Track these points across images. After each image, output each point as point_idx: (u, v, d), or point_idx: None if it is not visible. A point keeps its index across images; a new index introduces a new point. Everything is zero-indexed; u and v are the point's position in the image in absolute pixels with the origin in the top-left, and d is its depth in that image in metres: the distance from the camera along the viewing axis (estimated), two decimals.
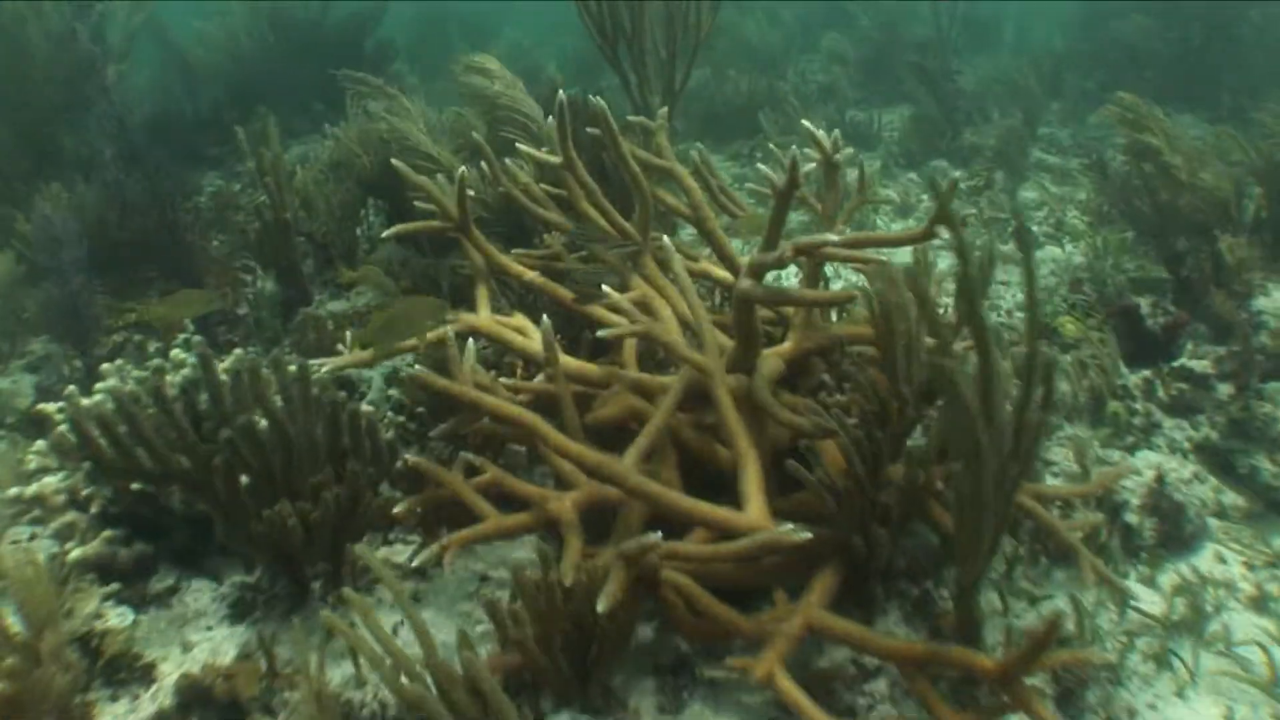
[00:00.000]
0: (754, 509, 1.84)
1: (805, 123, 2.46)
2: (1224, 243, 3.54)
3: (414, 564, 1.83)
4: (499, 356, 2.49)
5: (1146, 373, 3.48)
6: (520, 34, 10.62)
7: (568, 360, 2.18)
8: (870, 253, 2.23)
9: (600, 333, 2.01)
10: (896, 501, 1.86)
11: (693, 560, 1.72)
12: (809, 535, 1.62)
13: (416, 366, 1.94)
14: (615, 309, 2.19)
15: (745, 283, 2.09)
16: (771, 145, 2.81)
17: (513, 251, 2.65)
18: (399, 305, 1.97)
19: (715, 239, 2.47)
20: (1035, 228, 5.04)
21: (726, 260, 2.50)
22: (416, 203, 2.48)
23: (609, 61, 3.72)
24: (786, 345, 2.51)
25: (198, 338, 3.39)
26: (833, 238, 1.79)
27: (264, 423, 1.94)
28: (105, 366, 2.66)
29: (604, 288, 2.09)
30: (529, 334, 2.31)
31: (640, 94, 3.71)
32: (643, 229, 2.46)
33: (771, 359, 2.29)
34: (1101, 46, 8.09)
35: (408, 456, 1.97)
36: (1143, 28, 7.71)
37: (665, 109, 2.70)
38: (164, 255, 3.47)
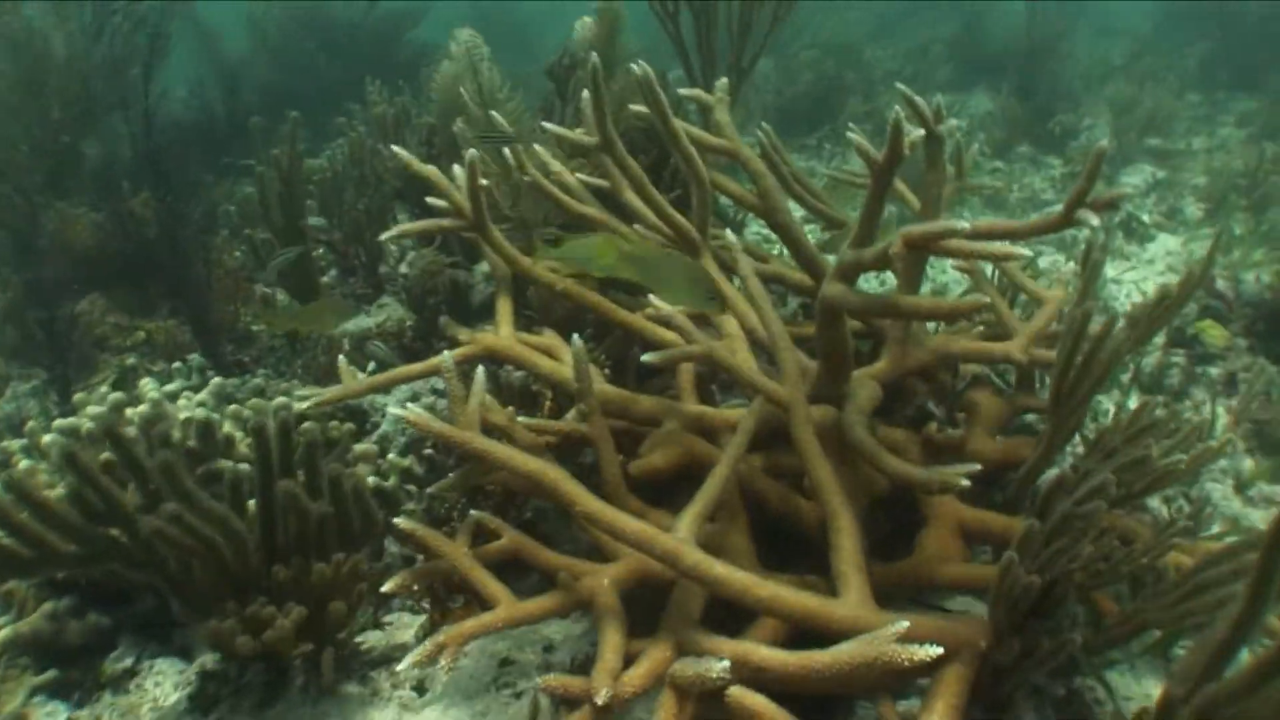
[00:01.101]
0: (853, 595, 1.36)
1: (900, 85, 1.97)
2: None
3: (402, 668, 1.39)
4: (529, 383, 2.05)
5: None
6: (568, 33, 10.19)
7: (607, 390, 1.72)
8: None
9: (646, 357, 1.55)
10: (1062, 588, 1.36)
11: (773, 674, 1.25)
12: (938, 652, 1.14)
13: (409, 406, 1.50)
14: (668, 323, 1.73)
15: (834, 287, 1.61)
16: (850, 130, 2.32)
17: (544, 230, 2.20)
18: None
19: (791, 234, 1.99)
20: (1145, 216, 4.45)
21: (806, 260, 2.02)
22: (427, 199, 2.05)
23: (670, 36, 3.23)
24: (881, 364, 2.01)
25: (194, 357, 3.03)
26: (962, 225, 1.30)
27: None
28: (79, 397, 2.29)
29: (652, 298, 1.63)
30: (560, 355, 1.86)
31: (704, 76, 3.22)
32: (701, 224, 1.99)
33: (868, 384, 1.80)
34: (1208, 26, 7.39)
35: (400, 519, 1.53)
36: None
37: (724, 80, 2.23)
38: (168, 271, 3.12)
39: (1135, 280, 3.83)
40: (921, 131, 1.81)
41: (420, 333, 2.77)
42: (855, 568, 1.40)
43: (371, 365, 2.40)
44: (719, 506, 1.57)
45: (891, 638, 1.22)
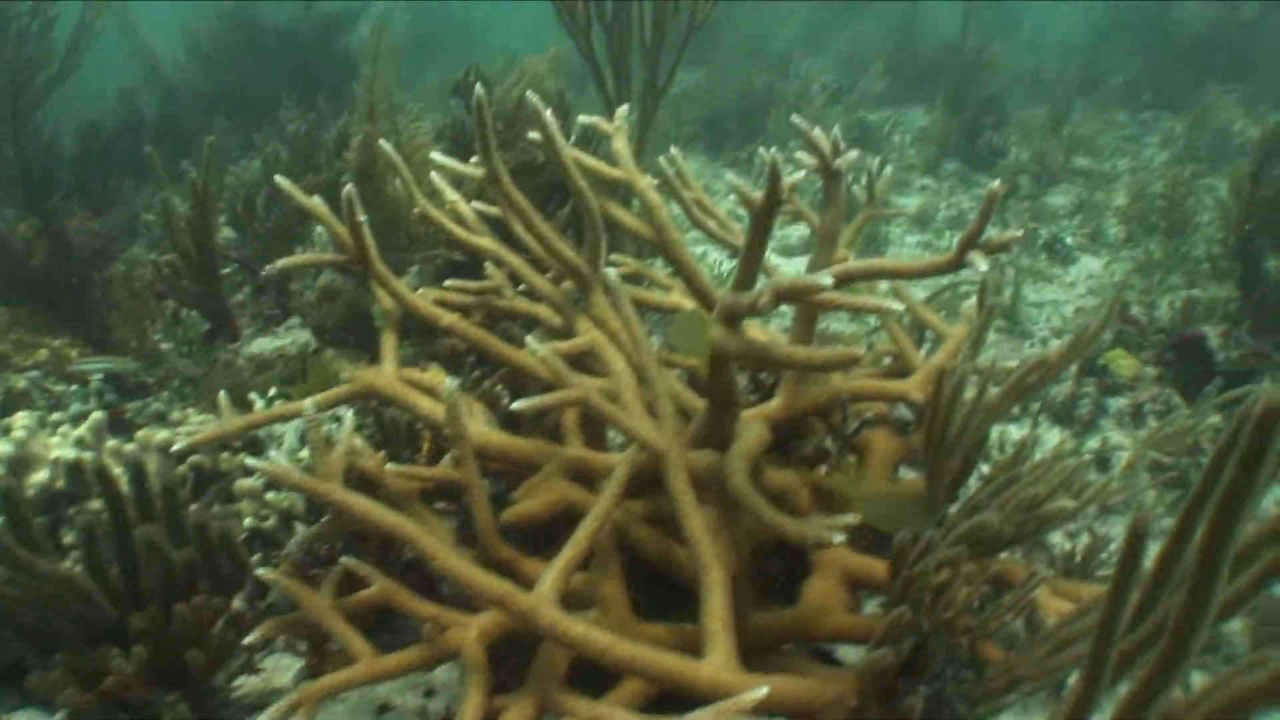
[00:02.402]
0: (718, 655, 1.33)
1: (796, 119, 1.95)
2: None
3: None
4: (412, 423, 1.99)
5: (1215, 419, 2.94)
6: (510, 38, 10.13)
7: (486, 434, 1.68)
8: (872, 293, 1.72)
9: (516, 405, 1.51)
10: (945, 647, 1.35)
11: None
12: None
13: (271, 454, 1.44)
14: (541, 361, 1.69)
15: (716, 333, 1.59)
16: (761, 150, 2.30)
17: (445, 284, 2.15)
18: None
19: (685, 267, 1.96)
20: (1069, 238, 4.51)
21: (700, 294, 2.00)
22: (317, 229, 2.00)
23: (582, 54, 3.20)
24: (774, 403, 2.00)
25: (95, 380, 2.93)
26: (826, 280, 1.28)
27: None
28: None
29: (531, 341, 1.59)
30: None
31: (617, 94, 3.19)
32: (592, 257, 1.96)
33: (755, 427, 1.78)
34: (1140, 38, 7.53)
35: (262, 570, 1.47)
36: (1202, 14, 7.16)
37: (624, 107, 2.19)
38: (60, 290, 3.01)
39: (1055, 303, 3.88)
40: (813, 164, 1.79)
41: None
42: (723, 625, 1.37)
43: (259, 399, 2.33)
44: (590, 556, 1.53)
45: (749, 704, 1.19)
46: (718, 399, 1.75)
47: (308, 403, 1.45)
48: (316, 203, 1.82)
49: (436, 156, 1.92)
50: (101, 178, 5.05)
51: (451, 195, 2.10)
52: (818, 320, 2.14)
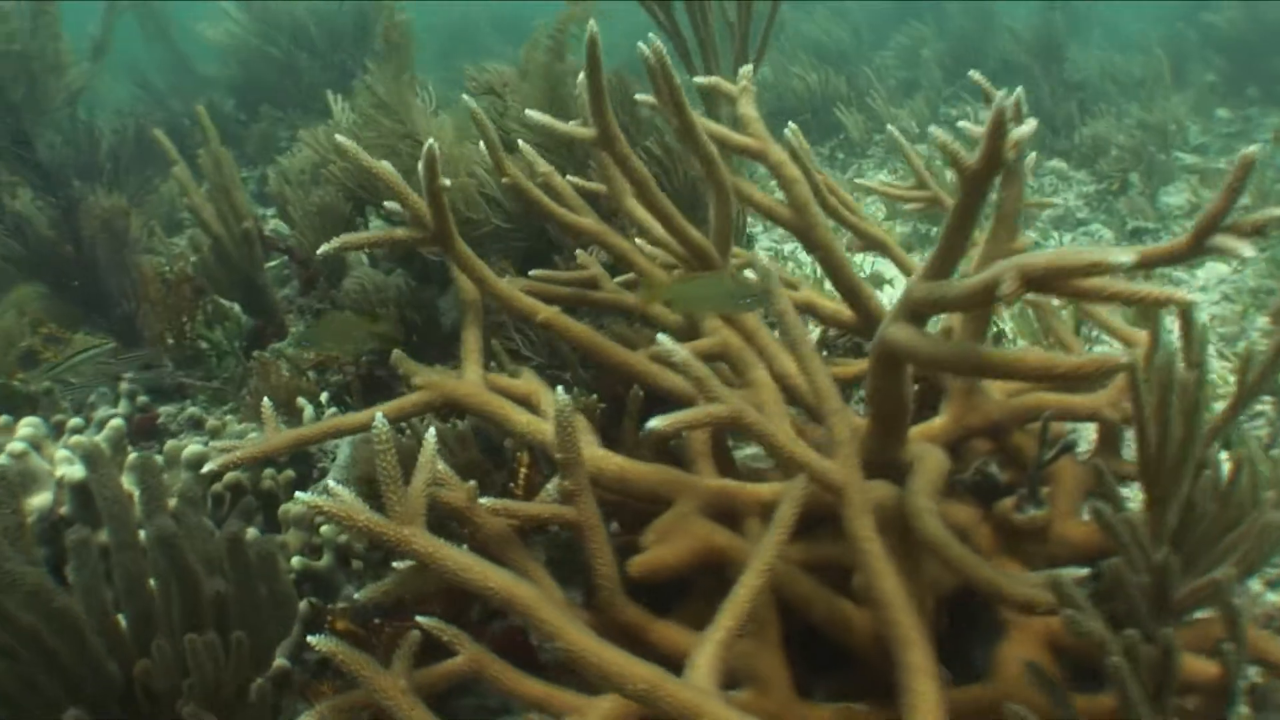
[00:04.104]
0: None
1: (974, 74, 1.58)
2: None
3: None
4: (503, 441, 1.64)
5: None
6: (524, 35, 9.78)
7: (600, 459, 1.32)
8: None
9: (653, 423, 1.14)
10: None
11: None
12: None
13: (330, 484, 1.09)
14: (679, 366, 1.32)
15: (900, 330, 1.22)
16: (891, 128, 1.92)
17: (530, 274, 1.81)
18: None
19: (833, 256, 1.60)
20: None
21: (846, 288, 1.63)
22: (385, 203, 1.66)
23: (665, 30, 2.84)
24: (940, 421, 1.63)
25: (124, 382, 2.62)
26: (1124, 259, 0.90)
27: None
28: None
29: (664, 340, 1.23)
30: (540, 404, 1.45)
31: (704, 66, 2.83)
32: (722, 242, 1.60)
33: (933, 454, 1.41)
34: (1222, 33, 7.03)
35: (317, 638, 1.12)
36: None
37: (748, 66, 1.83)
38: (80, 281, 2.70)
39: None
40: (1028, 127, 1.43)
41: (383, 358, 2.36)
42: (936, 713, 1.00)
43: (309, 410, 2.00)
44: (750, 621, 1.17)
45: None
46: (888, 413, 1.39)
47: (379, 417, 1.10)
48: (386, 167, 1.48)
49: (533, 114, 1.57)
50: (139, 167, 4.79)
51: (544, 166, 1.75)
52: (987, 326, 1.77)
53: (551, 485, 1.32)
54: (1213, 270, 3.77)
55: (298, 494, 1.04)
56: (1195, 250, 1.31)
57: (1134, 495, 1.98)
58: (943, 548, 1.15)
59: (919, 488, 1.29)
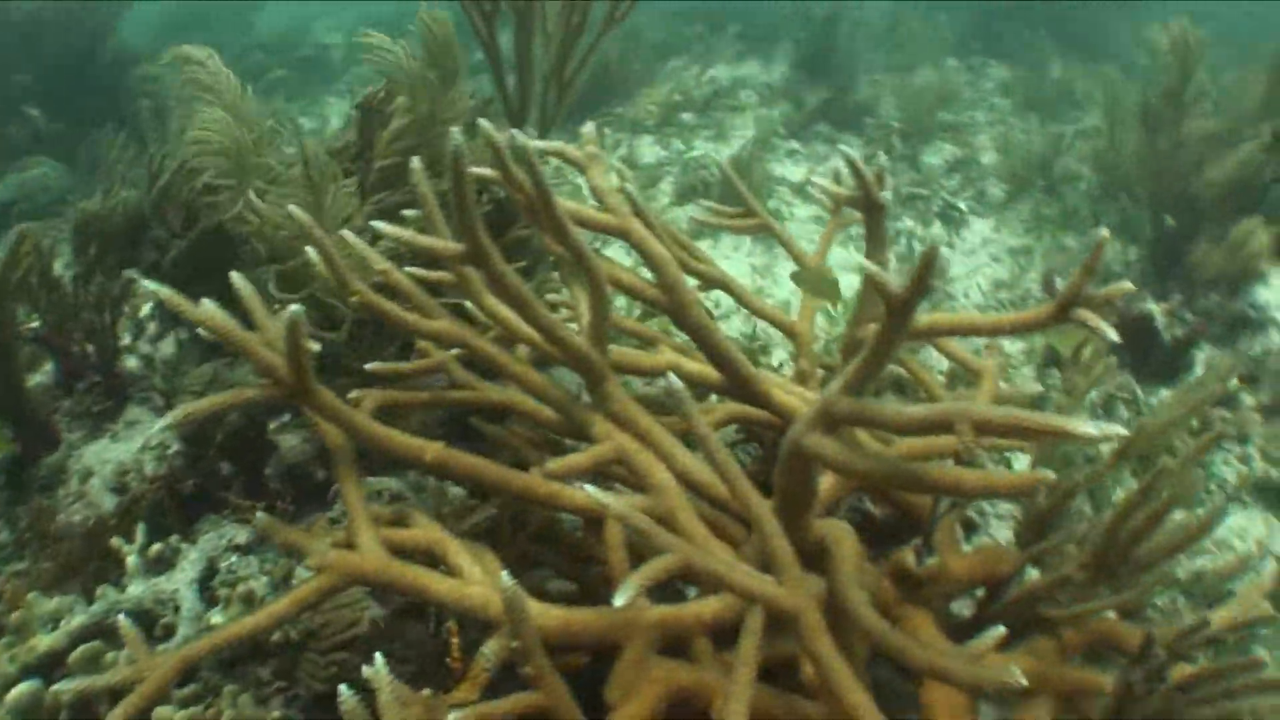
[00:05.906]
0: None
1: (843, 148, 1.56)
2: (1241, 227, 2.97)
3: None
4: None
5: (1165, 393, 2.86)
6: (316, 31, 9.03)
7: (540, 614, 1.22)
8: None
9: (620, 594, 1.06)
10: None
11: None
12: None
13: None
14: (621, 519, 1.23)
15: (815, 440, 1.22)
16: (841, 167, 1.91)
17: (368, 367, 1.65)
18: None
19: (711, 337, 1.56)
20: (961, 204, 4.37)
21: (727, 367, 1.60)
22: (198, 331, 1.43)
23: (481, 39, 2.59)
24: (825, 484, 1.65)
25: None
26: (1087, 430, 0.91)
27: None
28: None
29: (602, 497, 1.14)
30: (453, 560, 1.33)
31: (520, 89, 2.62)
32: (596, 337, 1.51)
33: (846, 536, 1.41)
34: None
35: None
36: None
37: (590, 125, 1.73)
38: None
39: (964, 274, 3.73)
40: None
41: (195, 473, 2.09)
42: None
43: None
44: None
45: None
46: (794, 503, 1.39)
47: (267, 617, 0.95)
48: (212, 313, 1.26)
49: (380, 226, 1.40)
50: None
51: (381, 263, 1.58)
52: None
53: (487, 648, 1.20)
54: (977, 231, 4.09)
55: None
56: (1058, 319, 1.40)
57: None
58: (878, 635, 1.17)
59: (848, 578, 1.29)
